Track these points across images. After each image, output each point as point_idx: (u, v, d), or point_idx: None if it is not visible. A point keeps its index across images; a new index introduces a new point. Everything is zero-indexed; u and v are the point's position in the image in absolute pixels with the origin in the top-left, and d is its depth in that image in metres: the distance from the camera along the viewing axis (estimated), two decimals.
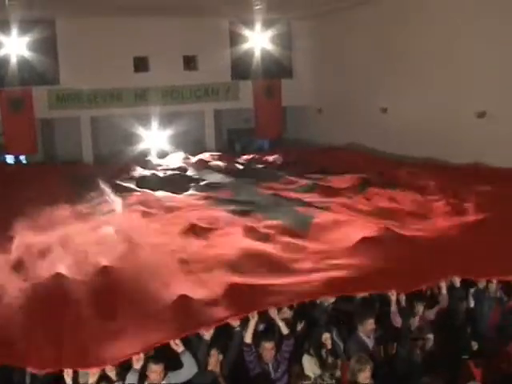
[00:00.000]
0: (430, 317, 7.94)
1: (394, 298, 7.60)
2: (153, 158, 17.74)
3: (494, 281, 8.22)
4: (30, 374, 6.42)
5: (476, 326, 8.24)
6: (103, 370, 6.07)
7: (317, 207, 9.79)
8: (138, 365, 6.11)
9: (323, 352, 7.10)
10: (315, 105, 19.98)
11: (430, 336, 7.37)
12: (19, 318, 6.30)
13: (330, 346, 7.13)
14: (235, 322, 6.76)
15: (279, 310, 7.14)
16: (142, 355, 6.06)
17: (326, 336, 7.15)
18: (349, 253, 7.71)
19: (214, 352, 6.67)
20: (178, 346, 6.29)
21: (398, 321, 7.65)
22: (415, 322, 7.75)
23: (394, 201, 10.21)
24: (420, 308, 7.82)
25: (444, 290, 7.90)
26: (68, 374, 5.93)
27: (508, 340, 7.66)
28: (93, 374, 5.99)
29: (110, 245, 8.19)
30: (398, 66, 15.74)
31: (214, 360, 6.67)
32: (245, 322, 6.77)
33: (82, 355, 5.83)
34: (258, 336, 6.87)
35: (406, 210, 9.61)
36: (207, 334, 6.59)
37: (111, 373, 6.12)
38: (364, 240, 8.01)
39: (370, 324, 7.32)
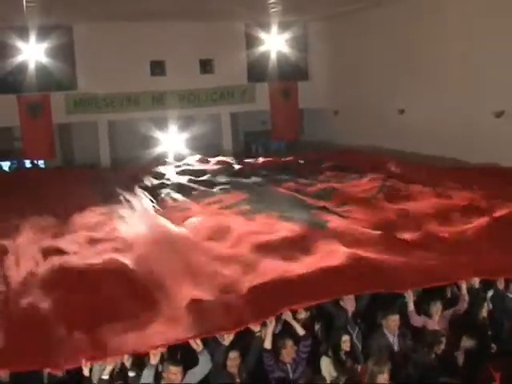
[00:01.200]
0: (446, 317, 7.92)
1: (410, 296, 7.59)
2: (171, 161, 17.77)
3: None
4: (48, 374, 6.50)
5: (496, 328, 8.20)
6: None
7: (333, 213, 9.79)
8: (154, 360, 6.16)
9: (342, 354, 7.11)
10: (331, 107, 19.94)
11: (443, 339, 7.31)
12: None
13: (348, 349, 7.13)
14: (256, 327, 6.78)
15: (295, 311, 7.18)
16: (158, 351, 6.11)
17: (345, 338, 7.15)
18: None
19: (233, 355, 6.70)
20: (198, 345, 6.34)
21: (416, 320, 7.65)
22: (434, 322, 7.74)
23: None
24: (437, 308, 7.81)
25: (464, 291, 7.86)
26: (86, 366, 6.02)
27: None
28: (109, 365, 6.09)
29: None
30: (415, 67, 15.71)
31: (234, 362, 6.71)
32: (264, 326, 6.81)
33: (98, 347, 5.88)
34: (276, 339, 6.88)
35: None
36: (227, 339, 6.61)
37: (127, 362, 6.21)
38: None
39: (394, 320, 7.33)
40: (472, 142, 13.61)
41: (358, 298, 7.68)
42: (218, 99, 19.67)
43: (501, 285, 8.36)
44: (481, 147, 13.27)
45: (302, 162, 15.41)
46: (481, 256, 7.61)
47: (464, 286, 7.84)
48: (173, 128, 19.52)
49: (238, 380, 6.62)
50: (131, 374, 6.37)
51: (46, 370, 6.37)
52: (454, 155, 13.99)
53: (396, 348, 7.31)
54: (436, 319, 7.77)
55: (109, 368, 6.15)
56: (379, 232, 8.37)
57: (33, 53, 17.34)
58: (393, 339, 7.34)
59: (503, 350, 7.75)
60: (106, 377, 6.19)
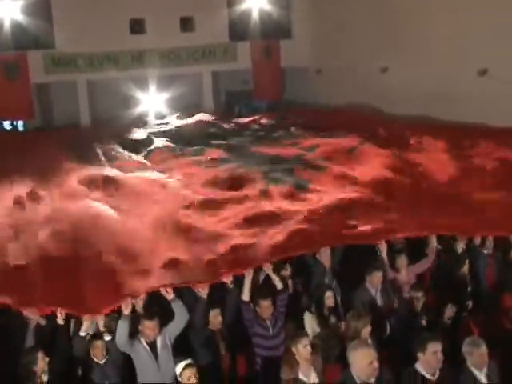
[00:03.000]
0: (417, 271, 7.95)
1: (384, 249, 7.60)
2: (151, 120, 17.53)
3: (490, 237, 8.21)
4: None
5: (474, 284, 8.27)
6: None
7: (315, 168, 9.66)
8: (127, 311, 6.17)
9: (325, 310, 7.12)
10: (314, 66, 19.70)
11: (420, 294, 7.33)
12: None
13: (332, 305, 7.14)
14: (229, 280, 6.77)
15: (279, 266, 7.16)
16: (129, 302, 6.12)
17: (328, 294, 7.15)
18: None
19: (214, 313, 6.69)
20: (168, 293, 6.34)
21: (389, 273, 7.71)
22: (402, 276, 7.76)
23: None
24: (403, 261, 7.83)
25: (433, 244, 7.86)
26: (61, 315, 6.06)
27: (502, 294, 7.67)
28: (86, 322, 6.07)
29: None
30: (398, 25, 15.49)
31: (216, 320, 6.70)
32: (240, 280, 6.81)
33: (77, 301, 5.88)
34: (254, 294, 6.88)
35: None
36: (203, 292, 6.58)
37: (100, 322, 6.19)
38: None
39: (378, 276, 7.35)
40: (455, 100, 13.52)
41: (333, 251, 7.69)
42: (199, 58, 19.38)
43: (477, 241, 8.41)
44: (464, 105, 13.19)
45: (283, 121, 15.19)
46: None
47: (433, 240, 7.82)
48: (153, 87, 19.21)
49: (218, 337, 6.65)
50: (107, 337, 6.34)
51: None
52: (436, 115, 13.90)
53: (379, 302, 7.34)
54: (403, 273, 7.81)
55: (85, 325, 6.11)
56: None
57: (8, 10, 16.89)
58: (375, 294, 7.38)
59: (481, 306, 7.85)
60: (83, 333, 6.17)
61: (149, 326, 6.28)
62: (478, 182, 8.19)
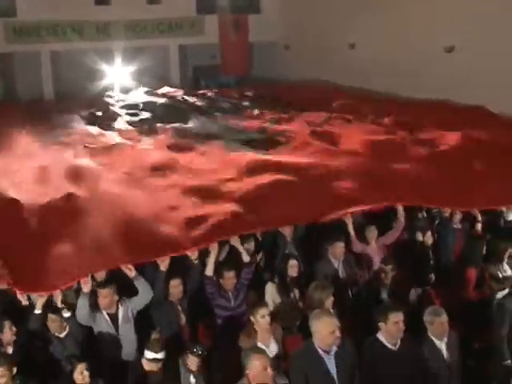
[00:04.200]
0: (386, 242, 7.97)
1: (350, 221, 7.58)
2: (115, 94, 17.24)
3: (458, 211, 8.26)
4: None
5: (440, 257, 8.32)
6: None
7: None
8: (86, 288, 6.03)
9: (288, 281, 7.07)
10: (283, 41, 19.60)
11: (389, 267, 7.34)
12: None
13: (295, 274, 7.09)
14: (193, 255, 6.68)
15: (244, 239, 7.09)
16: (89, 279, 5.97)
17: (292, 263, 7.09)
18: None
19: (175, 282, 6.61)
20: (130, 270, 6.21)
21: (357, 246, 7.68)
22: (372, 248, 7.78)
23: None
24: (373, 233, 7.84)
25: (400, 215, 7.88)
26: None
27: (467, 266, 7.73)
28: (40, 299, 5.92)
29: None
30: (367, 1, 15.42)
31: (176, 290, 6.62)
32: (205, 254, 6.71)
33: (32, 279, 5.71)
34: (218, 266, 6.81)
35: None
36: (163, 265, 6.48)
37: (57, 299, 6.05)
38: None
39: (340, 247, 7.32)
40: (422, 77, 13.53)
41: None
42: (165, 31, 19.13)
43: (445, 214, 8.46)
44: (431, 82, 13.22)
45: (249, 95, 15.09)
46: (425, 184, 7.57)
47: (400, 210, 7.84)
48: (118, 60, 18.91)
49: (179, 307, 6.57)
50: (66, 314, 6.22)
51: None
52: (403, 90, 13.91)
53: (341, 274, 7.33)
54: (373, 245, 7.82)
55: (40, 301, 5.97)
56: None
57: None
58: (338, 265, 7.37)
59: (446, 278, 7.91)
60: (38, 311, 6.02)
61: (103, 294, 6.18)
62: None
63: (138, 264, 6.29)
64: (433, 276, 7.96)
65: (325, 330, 4.99)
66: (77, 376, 5.34)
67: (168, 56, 19.75)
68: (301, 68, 18.22)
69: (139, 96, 15.25)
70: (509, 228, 8.76)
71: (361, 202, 7.03)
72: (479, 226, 8.42)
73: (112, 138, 10.54)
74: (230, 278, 6.70)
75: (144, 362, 5.67)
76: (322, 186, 7.28)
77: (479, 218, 8.39)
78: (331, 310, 6.00)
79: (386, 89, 14.28)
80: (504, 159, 7.95)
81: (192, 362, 5.65)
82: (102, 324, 6.25)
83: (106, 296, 6.18)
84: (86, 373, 5.35)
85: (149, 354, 5.61)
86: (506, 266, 7.67)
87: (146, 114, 12.56)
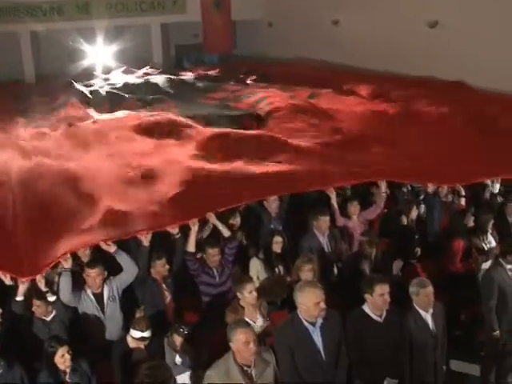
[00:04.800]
0: (368, 217, 7.97)
1: (333, 195, 7.55)
2: (98, 74, 17.07)
3: (444, 186, 8.26)
4: None
5: (426, 231, 8.32)
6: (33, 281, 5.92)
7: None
8: (67, 264, 5.95)
9: (273, 257, 7.05)
10: (265, 18, 19.43)
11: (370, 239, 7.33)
12: None
13: (279, 251, 7.06)
14: (174, 230, 6.61)
15: (229, 214, 7.05)
16: (68, 255, 5.86)
17: (277, 239, 7.06)
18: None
19: (162, 262, 6.55)
20: (109, 246, 6.13)
21: (340, 220, 7.67)
22: (354, 222, 7.76)
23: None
24: (355, 207, 7.83)
25: (383, 190, 7.86)
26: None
27: (453, 238, 7.74)
28: (21, 286, 5.83)
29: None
30: None
31: (163, 269, 6.56)
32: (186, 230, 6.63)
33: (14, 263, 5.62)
34: (202, 243, 6.76)
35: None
36: (145, 240, 6.42)
37: (40, 283, 5.96)
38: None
39: (325, 221, 7.29)
40: (406, 53, 13.46)
41: (280, 199, 7.62)
42: (147, 9, 18.90)
43: (431, 189, 8.45)
44: (415, 58, 13.15)
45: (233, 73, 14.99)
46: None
47: (383, 186, 7.82)
48: (100, 40, 18.67)
49: (163, 285, 6.52)
50: (51, 298, 6.14)
51: None
52: (387, 66, 13.85)
53: (326, 249, 7.31)
54: (355, 219, 7.80)
55: (22, 288, 5.87)
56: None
57: None
58: (323, 240, 7.34)
59: (431, 251, 7.92)
60: (19, 298, 5.92)
61: (91, 274, 6.10)
62: None
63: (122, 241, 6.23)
64: (418, 250, 7.95)
65: (310, 302, 4.95)
66: (58, 359, 5.26)
67: (150, 35, 19.55)
68: (284, 45, 18.10)
69: (121, 76, 15.14)
70: (492, 200, 8.81)
71: (340, 178, 7.03)
72: (463, 201, 8.44)
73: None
74: (213, 254, 6.66)
75: (129, 340, 5.63)
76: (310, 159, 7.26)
77: (463, 192, 8.42)
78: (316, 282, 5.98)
79: (370, 65, 14.22)
80: (487, 133, 7.96)
81: (177, 341, 5.60)
82: (87, 304, 6.18)
83: (93, 275, 6.12)
84: (68, 356, 5.26)
85: (135, 333, 5.57)
86: (490, 238, 7.72)
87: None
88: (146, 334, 5.56)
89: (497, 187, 8.97)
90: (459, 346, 6.82)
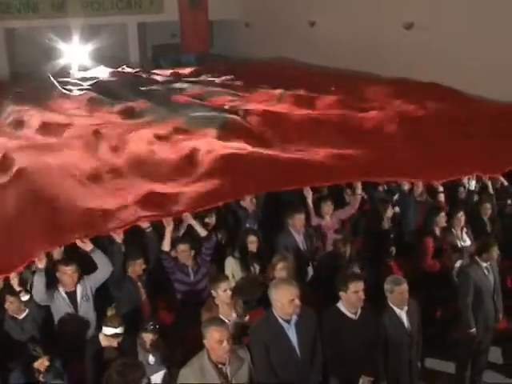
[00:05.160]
0: (341, 217, 8.01)
1: (309, 195, 7.55)
2: (74, 73, 16.89)
3: (420, 184, 8.30)
4: None
5: (401, 230, 8.36)
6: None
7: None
8: (41, 264, 5.87)
9: (248, 257, 7.03)
10: (243, 19, 19.39)
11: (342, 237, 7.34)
12: None
13: (255, 250, 7.05)
14: (145, 224, 6.58)
15: (205, 213, 7.01)
16: (43, 255, 5.80)
17: (251, 238, 7.05)
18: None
19: (139, 262, 6.50)
20: (85, 244, 6.08)
21: (314, 219, 7.69)
22: (327, 222, 7.77)
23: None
24: (328, 207, 7.84)
25: (358, 191, 7.88)
26: None
27: (424, 235, 7.79)
28: None
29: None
30: None
31: (139, 268, 6.52)
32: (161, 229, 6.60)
33: None
34: (175, 240, 6.77)
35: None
36: (118, 237, 6.37)
37: (14, 281, 5.89)
38: None
39: (300, 219, 7.29)
40: (382, 54, 13.53)
41: (256, 197, 7.62)
42: (123, 8, 18.71)
43: (406, 187, 8.50)
44: (391, 60, 13.22)
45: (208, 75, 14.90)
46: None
47: (359, 186, 7.84)
48: (76, 38, 18.47)
49: (139, 283, 6.47)
50: (24, 297, 6.06)
51: None
52: (363, 68, 13.90)
53: (302, 247, 7.31)
54: (328, 219, 7.82)
55: None
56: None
57: None
58: (298, 238, 7.34)
59: (406, 250, 7.96)
60: None
61: (66, 272, 6.04)
62: None
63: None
64: (393, 249, 7.98)
65: (284, 299, 4.94)
66: (37, 363, 5.21)
67: (127, 34, 19.37)
68: (261, 46, 18.09)
69: (97, 75, 14.99)
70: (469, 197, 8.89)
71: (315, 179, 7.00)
72: (442, 197, 8.49)
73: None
74: (183, 250, 6.67)
75: (102, 338, 5.57)
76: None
77: (440, 189, 8.47)
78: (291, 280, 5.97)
79: (346, 66, 14.26)
80: (462, 131, 8.00)
81: (147, 339, 5.54)
82: (60, 303, 6.12)
83: (68, 273, 6.05)
84: (47, 363, 5.23)
85: (108, 330, 5.51)
86: (465, 236, 7.77)
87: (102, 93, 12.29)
88: (119, 330, 5.50)
89: (473, 184, 9.06)
90: (434, 343, 6.85)
